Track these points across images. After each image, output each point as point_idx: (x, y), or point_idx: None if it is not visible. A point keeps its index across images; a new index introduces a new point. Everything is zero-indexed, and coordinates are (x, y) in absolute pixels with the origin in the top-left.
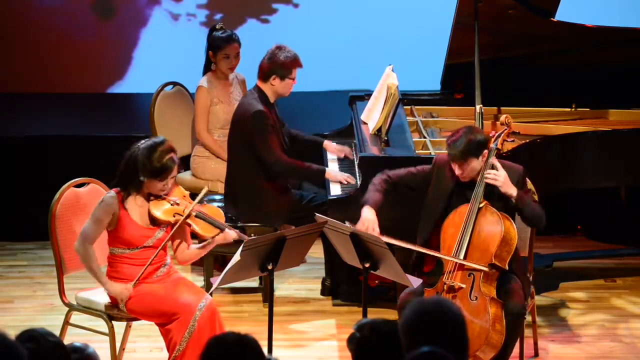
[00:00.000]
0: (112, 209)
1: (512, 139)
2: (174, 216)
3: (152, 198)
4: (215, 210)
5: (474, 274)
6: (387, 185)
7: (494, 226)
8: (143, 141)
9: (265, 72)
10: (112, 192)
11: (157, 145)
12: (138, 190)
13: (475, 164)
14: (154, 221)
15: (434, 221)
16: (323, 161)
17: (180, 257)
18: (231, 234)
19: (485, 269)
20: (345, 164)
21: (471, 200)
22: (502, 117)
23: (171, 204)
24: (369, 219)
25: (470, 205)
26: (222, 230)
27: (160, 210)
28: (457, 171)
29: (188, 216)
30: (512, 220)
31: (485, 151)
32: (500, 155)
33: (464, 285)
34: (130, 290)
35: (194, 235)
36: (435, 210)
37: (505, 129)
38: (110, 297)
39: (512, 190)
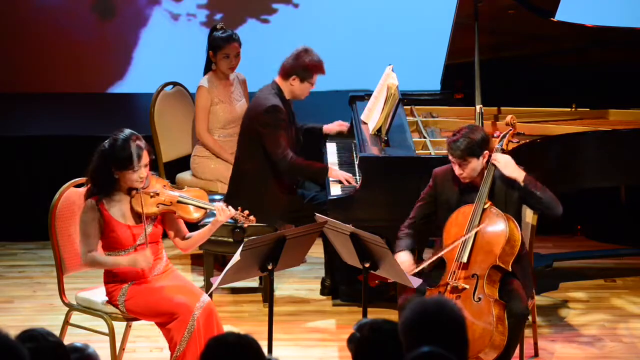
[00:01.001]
0: (95, 215)
1: (517, 139)
2: (158, 207)
3: (133, 193)
4: (198, 192)
5: (477, 275)
6: (410, 229)
7: (498, 227)
8: (107, 140)
9: (286, 71)
10: (89, 201)
11: (119, 136)
12: (115, 189)
13: (476, 164)
14: (139, 217)
15: None
16: (323, 157)
17: (181, 245)
18: (218, 205)
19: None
20: (345, 162)
21: (475, 202)
22: (508, 118)
23: (151, 196)
24: (403, 261)
25: (474, 206)
26: (206, 210)
27: (142, 204)
28: (457, 171)
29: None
30: (516, 222)
31: (486, 152)
32: None
33: (467, 286)
34: (150, 255)
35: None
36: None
37: (510, 130)
38: (132, 274)
39: (518, 173)
